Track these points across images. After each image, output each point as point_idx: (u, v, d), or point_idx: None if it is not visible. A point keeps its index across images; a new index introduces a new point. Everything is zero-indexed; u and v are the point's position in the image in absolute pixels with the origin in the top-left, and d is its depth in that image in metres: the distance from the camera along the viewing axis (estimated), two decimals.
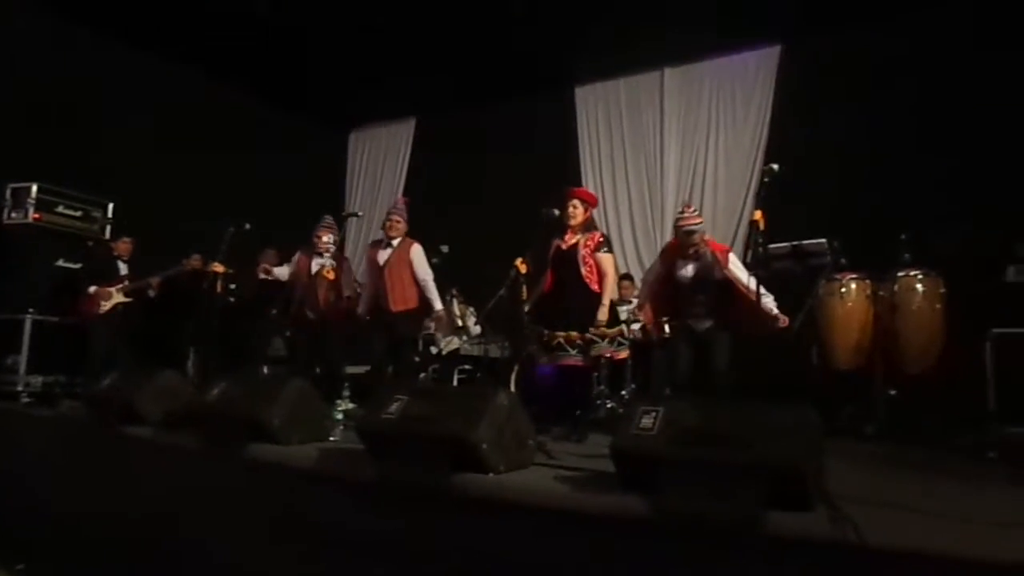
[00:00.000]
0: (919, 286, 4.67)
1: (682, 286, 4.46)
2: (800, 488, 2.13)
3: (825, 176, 6.08)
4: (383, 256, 5.43)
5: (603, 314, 4.53)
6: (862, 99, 6.37)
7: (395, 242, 5.43)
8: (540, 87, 8.38)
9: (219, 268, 5.82)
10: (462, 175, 8.87)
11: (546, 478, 2.77)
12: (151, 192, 7.23)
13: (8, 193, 6.31)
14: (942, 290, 4.66)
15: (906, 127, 6.08)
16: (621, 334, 5.47)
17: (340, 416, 3.86)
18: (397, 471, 2.83)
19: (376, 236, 9.66)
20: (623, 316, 5.73)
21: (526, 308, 4.69)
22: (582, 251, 4.56)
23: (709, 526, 2.13)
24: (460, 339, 7.18)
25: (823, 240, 3.99)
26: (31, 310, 5.98)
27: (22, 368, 5.83)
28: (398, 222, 5.44)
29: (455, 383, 6.83)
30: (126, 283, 6.42)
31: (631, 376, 6.12)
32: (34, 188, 6.25)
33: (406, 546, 2.71)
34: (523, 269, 4.32)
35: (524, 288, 4.70)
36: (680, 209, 4.68)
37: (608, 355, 5.37)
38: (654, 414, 2.47)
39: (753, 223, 3.62)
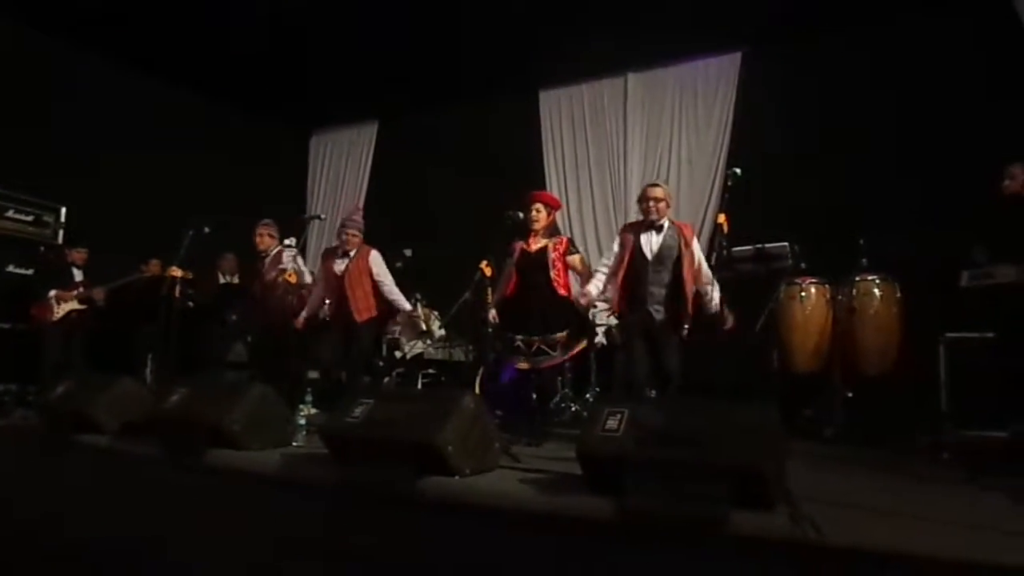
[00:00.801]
0: (876, 290, 4.78)
1: (643, 262, 4.29)
2: (762, 488, 2.17)
3: (784, 181, 6.18)
4: (340, 266, 5.35)
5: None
6: (821, 105, 6.50)
7: (352, 252, 5.35)
8: (504, 91, 8.38)
9: (177, 273, 5.69)
10: (425, 178, 8.83)
11: (512, 481, 2.77)
12: (107, 196, 7.08)
13: None
14: (898, 294, 4.77)
15: (863, 133, 6.22)
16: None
17: (303, 421, 3.81)
18: (362, 475, 2.80)
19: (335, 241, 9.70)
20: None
21: (491, 312, 4.69)
22: (551, 255, 4.58)
23: (675, 526, 2.15)
24: (424, 343, 7.14)
25: (785, 243, 4.05)
26: None
27: None
28: (354, 236, 5.36)
29: (420, 387, 6.79)
30: (80, 290, 6.27)
31: (595, 379, 6.15)
32: None
33: (371, 551, 2.68)
34: (488, 272, 4.32)
35: (489, 291, 4.70)
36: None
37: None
38: (619, 415, 2.49)
39: (718, 226, 3.66)
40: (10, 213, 6.29)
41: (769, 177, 5.82)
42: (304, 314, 5.59)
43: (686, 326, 4.24)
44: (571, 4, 6.69)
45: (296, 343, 5.72)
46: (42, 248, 6.53)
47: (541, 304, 4.53)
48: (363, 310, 5.28)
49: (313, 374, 6.52)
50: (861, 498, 2.51)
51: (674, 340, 4.23)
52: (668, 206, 4.38)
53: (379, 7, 6.84)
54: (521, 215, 4.64)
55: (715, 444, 2.23)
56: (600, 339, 6.26)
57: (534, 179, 7.90)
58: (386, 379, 6.52)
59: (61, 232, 6.65)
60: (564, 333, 4.50)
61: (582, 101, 8.26)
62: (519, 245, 4.72)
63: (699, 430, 2.31)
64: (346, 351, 5.29)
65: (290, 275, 5.43)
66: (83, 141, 7.12)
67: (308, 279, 5.70)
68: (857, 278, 4.82)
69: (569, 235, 6.92)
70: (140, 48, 7.58)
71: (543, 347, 4.47)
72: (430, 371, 7.15)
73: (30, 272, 6.34)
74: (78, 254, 6.45)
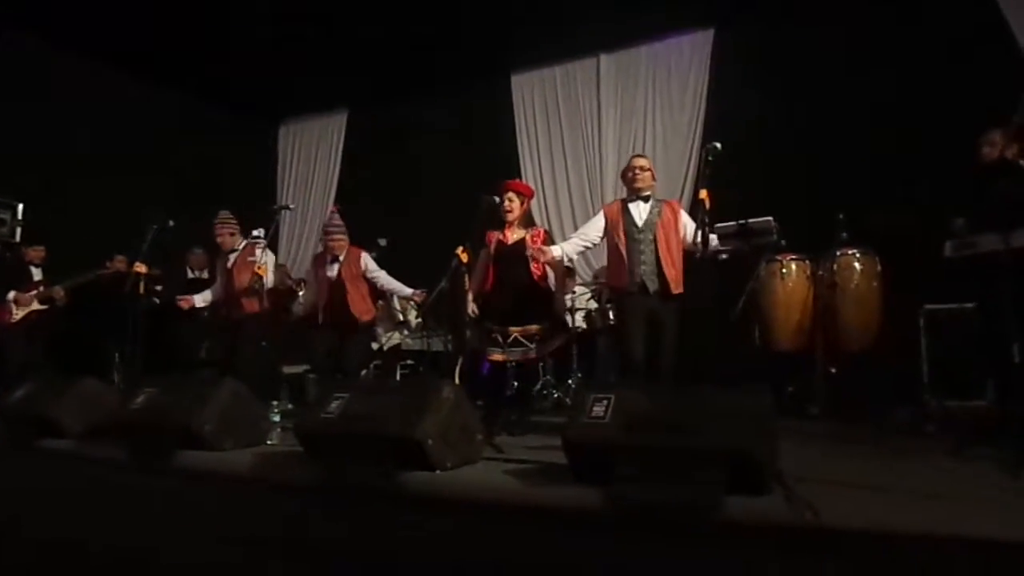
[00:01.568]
0: (857, 264, 4.74)
1: (634, 232, 4.23)
2: (756, 472, 2.10)
3: (761, 157, 6.12)
4: (331, 271, 5.31)
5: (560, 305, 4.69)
6: (795, 80, 6.44)
7: (341, 256, 5.31)
8: (475, 76, 8.24)
9: (142, 269, 5.49)
10: (397, 166, 8.69)
11: (496, 472, 2.72)
12: (66, 192, 6.85)
13: None
14: (879, 268, 4.74)
15: (840, 106, 6.16)
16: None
17: (277, 418, 3.70)
18: (339, 472, 2.70)
19: (308, 231, 9.59)
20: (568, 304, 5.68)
21: (470, 304, 4.61)
22: (530, 248, 4.50)
23: (667, 514, 2.08)
24: (401, 334, 7.03)
25: (769, 218, 3.98)
26: None
27: None
28: (340, 240, 5.32)
29: (398, 379, 6.69)
30: (40, 289, 6.06)
31: (576, 365, 6.08)
32: None
33: (351, 548, 2.58)
34: (464, 258, 4.21)
35: (466, 278, 4.62)
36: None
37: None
38: (605, 402, 2.41)
39: (700, 202, 3.57)
40: None
41: (745, 153, 5.75)
42: (300, 310, 5.59)
43: (679, 291, 4.20)
44: None
45: (268, 337, 5.58)
46: None
47: (519, 296, 4.48)
48: (363, 312, 5.33)
49: (289, 369, 6.41)
50: (853, 477, 2.49)
51: (674, 322, 4.16)
52: (653, 178, 4.40)
53: None
54: (496, 199, 4.57)
55: (707, 428, 2.16)
56: (580, 323, 6.19)
57: (507, 164, 7.79)
58: (363, 372, 6.39)
59: (18, 230, 6.40)
60: (541, 325, 4.46)
61: (555, 84, 8.15)
62: (495, 236, 4.63)
63: (690, 414, 2.24)
64: (342, 352, 5.24)
65: (260, 268, 5.28)
66: (39, 135, 6.83)
67: (270, 279, 5.53)
68: (838, 252, 4.77)
69: (545, 221, 6.84)
70: (100, 38, 7.29)
71: (520, 338, 4.42)
72: (408, 362, 7.05)
73: None
74: (35, 252, 6.25)
